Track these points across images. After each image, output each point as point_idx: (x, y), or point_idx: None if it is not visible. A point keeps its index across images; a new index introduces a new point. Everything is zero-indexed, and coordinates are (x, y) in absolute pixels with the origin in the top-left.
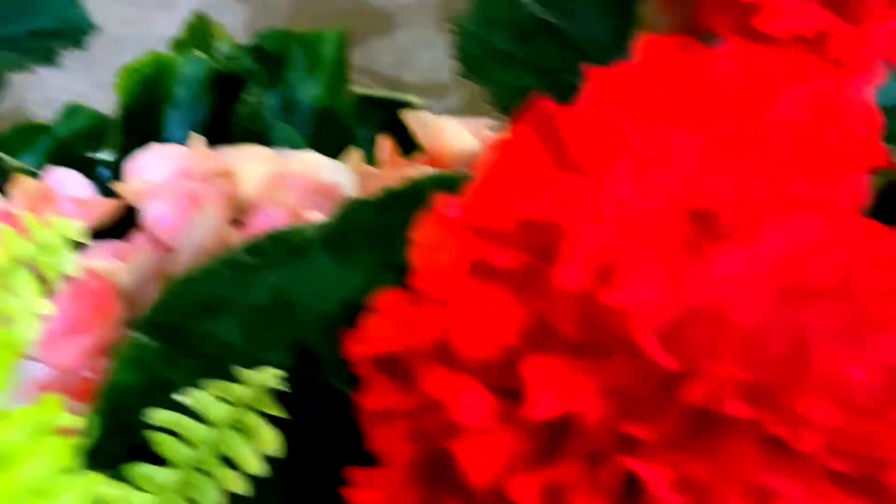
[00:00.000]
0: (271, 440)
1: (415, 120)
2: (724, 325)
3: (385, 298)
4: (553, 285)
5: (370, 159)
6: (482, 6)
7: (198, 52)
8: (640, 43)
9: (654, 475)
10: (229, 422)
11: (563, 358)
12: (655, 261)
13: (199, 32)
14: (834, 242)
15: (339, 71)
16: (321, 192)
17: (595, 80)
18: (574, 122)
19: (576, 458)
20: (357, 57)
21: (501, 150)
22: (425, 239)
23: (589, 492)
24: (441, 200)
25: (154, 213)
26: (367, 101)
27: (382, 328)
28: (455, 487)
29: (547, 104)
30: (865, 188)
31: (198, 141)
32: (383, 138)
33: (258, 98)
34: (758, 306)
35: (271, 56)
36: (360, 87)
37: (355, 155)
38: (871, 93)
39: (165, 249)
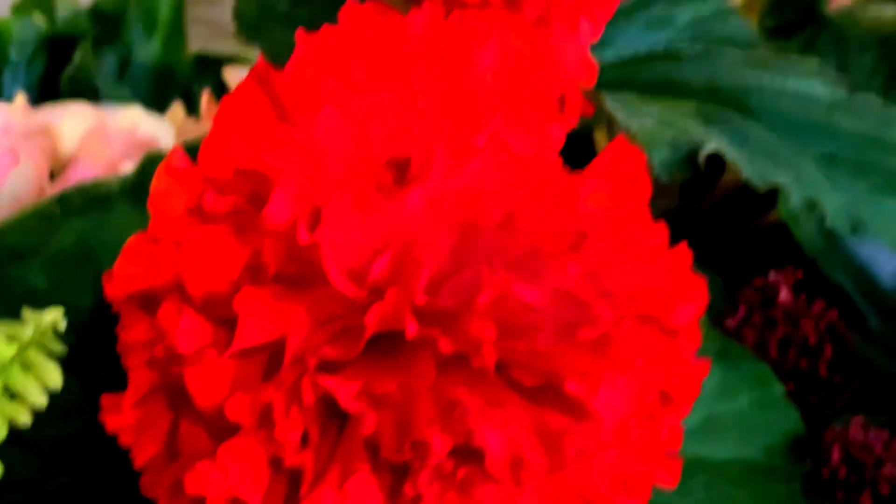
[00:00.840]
0: (54, 375)
1: (232, 75)
2: (411, 259)
3: (131, 241)
4: (264, 226)
5: None
6: None
7: (35, 16)
8: (343, 9)
9: (342, 389)
10: (15, 358)
11: (272, 290)
12: (351, 203)
13: None
14: (501, 184)
15: (176, 30)
16: (140, 145)
17: (304, 42)
18: (288, 79)
19: (284, 380)
20: (206, 12)
21: (229, 105)
22: (158, 186)
23: (292, 410)
24: (173, 151)
25: None
26: (206, 58)
27: (129, 268)
28: (191, 410)
29: (268, 64)
30: (556, 135)
31: (20, 99)
32: (204, 91)
33: (84, 58)
34: (440, 241)
35: (109, 17)
36: (200, 44)
37: (177, 109)
38: (580, 48)
39: None
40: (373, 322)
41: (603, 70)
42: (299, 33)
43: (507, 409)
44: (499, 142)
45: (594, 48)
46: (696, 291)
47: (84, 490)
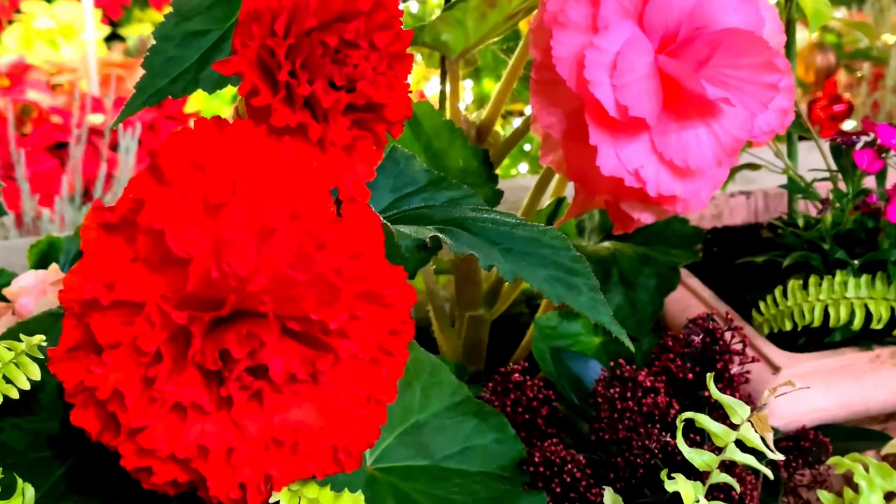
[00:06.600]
0: (35, 371)
1: None
2: (223, 244)
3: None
4: (139, 225)
5: None
6: None
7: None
8: (196, 121)
9: (177, 314)
10: (11, 359)
11: (141, 267)
12: (193, 213)
13: None
14: (284, 212)
15: None
16: None
17: (173, 136)
18: (163, 159)
19: (145, 315)
20: None
21: (131, 182)
22: (86, 230)
23: (147, 330)
24: (95, 202)
25: (21, 302)
26: None
27: (72, 278)
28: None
29: (154, 151)
30: (329, 208)
31: (54, 266)
32: None
33: None
34: (242, 239)
35: None
36: None
37: None
38: (356, 179)
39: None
40: (194, 273)
41: (387, 217)
42: (171, 133)
43: (283, 343)
44: (285, 191)
45: (389, 210)
46: (406, 291)
47: (55, 462)
